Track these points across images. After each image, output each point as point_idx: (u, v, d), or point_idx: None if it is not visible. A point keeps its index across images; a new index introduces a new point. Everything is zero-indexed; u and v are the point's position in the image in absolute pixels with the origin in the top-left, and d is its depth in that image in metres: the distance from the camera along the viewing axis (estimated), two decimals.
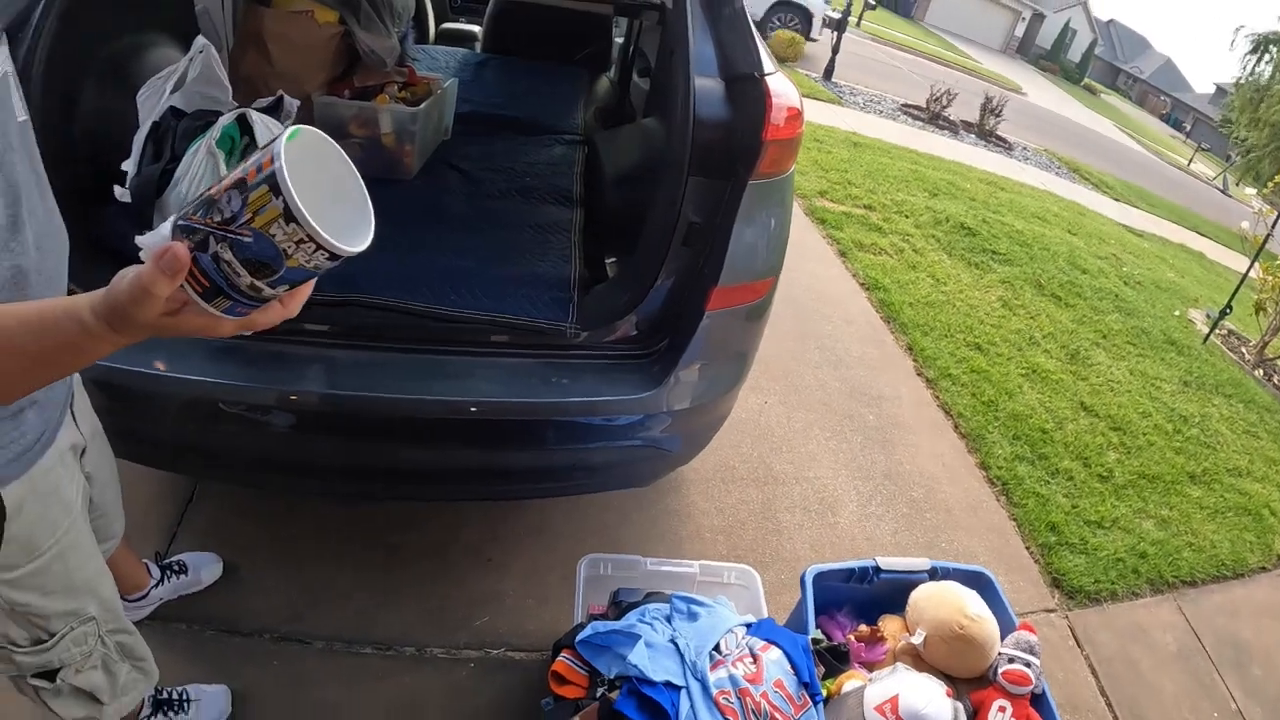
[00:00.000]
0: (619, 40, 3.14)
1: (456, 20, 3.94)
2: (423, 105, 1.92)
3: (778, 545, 2.31)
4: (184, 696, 1.55)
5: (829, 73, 10.22)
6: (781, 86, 1.45)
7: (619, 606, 1.59)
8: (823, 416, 2.99)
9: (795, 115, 1.46)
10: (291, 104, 1.69)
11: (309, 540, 1.97)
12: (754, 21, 1.61)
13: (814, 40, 11.58)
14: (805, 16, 11.54)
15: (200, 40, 1.58)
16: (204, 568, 1.81)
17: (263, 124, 1.55)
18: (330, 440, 1.56)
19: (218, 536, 1.91)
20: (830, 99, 9.14)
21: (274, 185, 0.50)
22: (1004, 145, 9.95)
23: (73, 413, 1.07)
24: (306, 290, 0.63)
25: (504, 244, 1.76)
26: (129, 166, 1.50)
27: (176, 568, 1.78)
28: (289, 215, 0.50)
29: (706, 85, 1.50)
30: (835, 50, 10.26)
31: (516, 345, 1.59)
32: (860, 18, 18.00)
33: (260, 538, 1.95)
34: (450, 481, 1.72)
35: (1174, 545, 2.84)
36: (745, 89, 1.48)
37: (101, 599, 1.15)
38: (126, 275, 0.57)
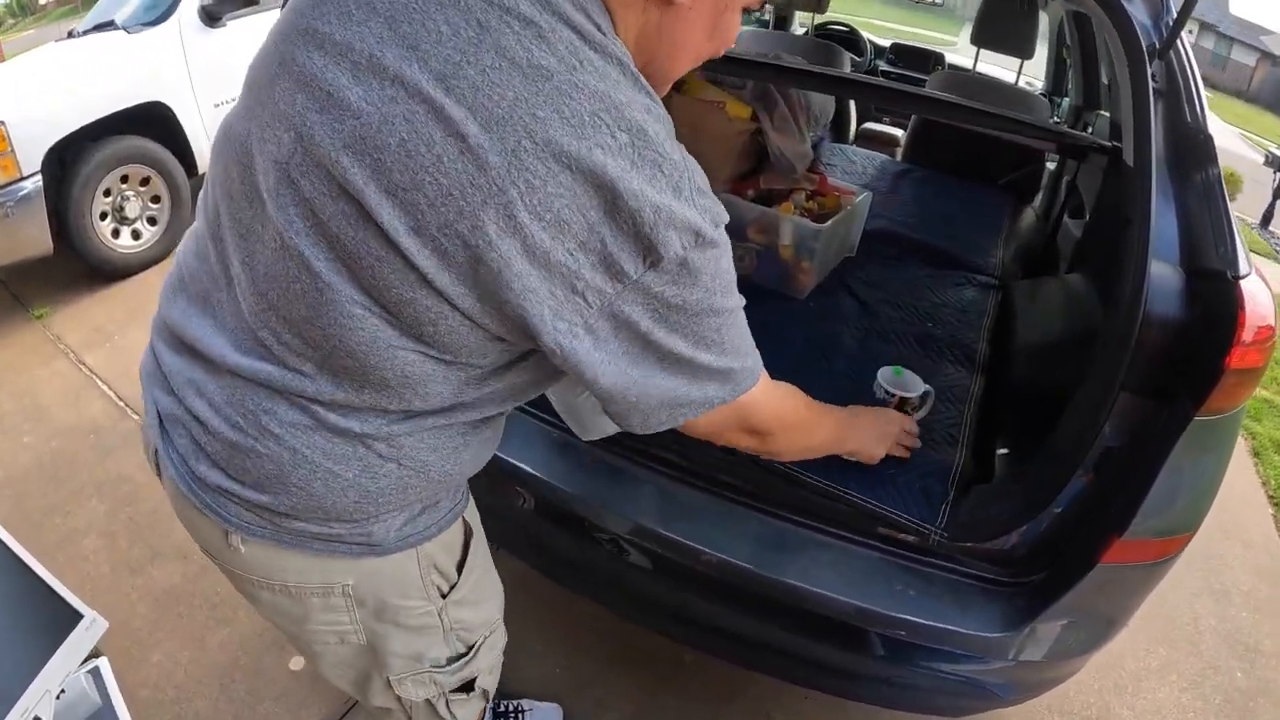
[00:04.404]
0: (1050, 165, 2.72)
1: (880, 121, 3.75)
2: (828, 223, 1.73)
3: None
4: (519, 709, 1.67)
5: (1267, 219, 8.57)
6: (1258, 294, 1.05)
7: None
8: (1185, 658, 2.33)
9: (1267, 336, 1.04)
10: None
11: (593, 628, 1.94)
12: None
13: None
14: None
15: None
16: None
17: None
18: (644, 576, 1.43)
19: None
20: (1266, 252, 7.68)
21: None
22: None
23: None
24: None
25: None
26: None
27: None
28: None
29: (1163, 275, 1.11)
30: (1277, 194, 8.59)
31: (867, 533, 1.33)
32: None
33: (547, 609, 1.95)
34: (745, 649, 1.50)
35: None
36: (1212, 290, 1.08)
37: (500, 601, 1.20)
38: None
